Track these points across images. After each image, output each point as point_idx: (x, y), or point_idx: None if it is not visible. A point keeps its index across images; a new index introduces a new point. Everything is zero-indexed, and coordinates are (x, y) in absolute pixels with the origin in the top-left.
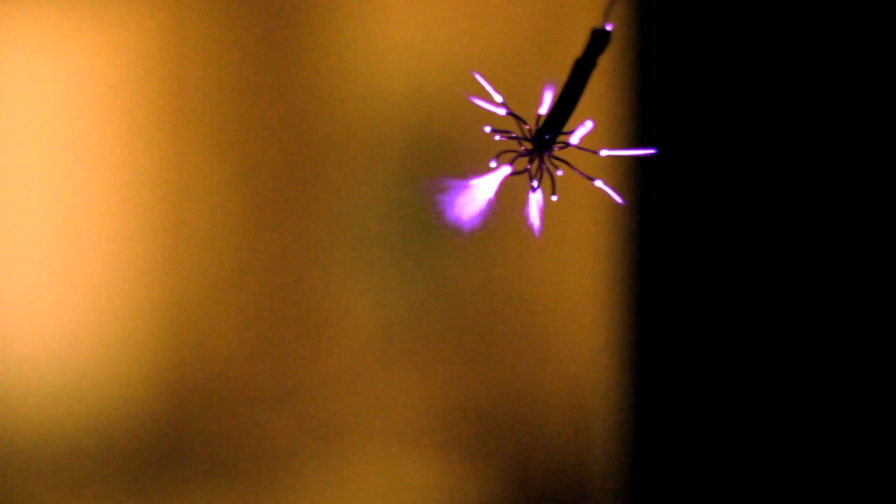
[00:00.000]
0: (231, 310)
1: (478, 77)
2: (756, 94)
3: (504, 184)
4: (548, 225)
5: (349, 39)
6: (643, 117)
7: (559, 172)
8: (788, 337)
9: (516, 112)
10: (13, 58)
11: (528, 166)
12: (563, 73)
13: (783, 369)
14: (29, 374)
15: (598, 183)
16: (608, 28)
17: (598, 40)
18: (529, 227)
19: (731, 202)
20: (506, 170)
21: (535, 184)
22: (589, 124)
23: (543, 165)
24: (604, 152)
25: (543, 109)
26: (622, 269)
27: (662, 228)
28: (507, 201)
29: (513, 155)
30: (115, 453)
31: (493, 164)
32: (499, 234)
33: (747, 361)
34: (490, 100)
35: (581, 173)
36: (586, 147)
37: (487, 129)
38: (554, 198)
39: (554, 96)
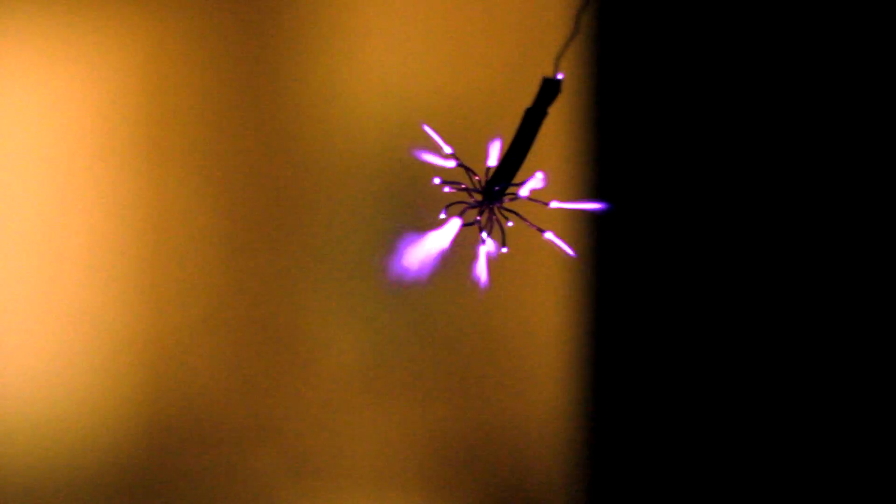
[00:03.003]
0: (211, 344)
1: (427, 129)
2: (711, 146)
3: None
4: (519, 262)
5: (330, 71)
6: (595, 167)
7: (509, 224)
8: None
9: (467, 163)
10: None
11: (479, 218)
12: (513, 124)
13: (753, 393)
14: (4, 406)
15: (549, 235)
16: (559, 77)
17: (549, 89)
18: (475, 280)
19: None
20: (456, 222)
21: (484, 235)
22: (539, 176)
23: (493, 217)
24: (554, 204)
25: (493, 161)
26: (583, 297)
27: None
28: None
29: (463, 206)
30: (92, 487)
31: (442, 216)
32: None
33: (710, 384)
34: (440, 152)
35: (531, 224)
36: (537, 198)
37: (437, 180)
38: (504, 249)
39: (503, 147)
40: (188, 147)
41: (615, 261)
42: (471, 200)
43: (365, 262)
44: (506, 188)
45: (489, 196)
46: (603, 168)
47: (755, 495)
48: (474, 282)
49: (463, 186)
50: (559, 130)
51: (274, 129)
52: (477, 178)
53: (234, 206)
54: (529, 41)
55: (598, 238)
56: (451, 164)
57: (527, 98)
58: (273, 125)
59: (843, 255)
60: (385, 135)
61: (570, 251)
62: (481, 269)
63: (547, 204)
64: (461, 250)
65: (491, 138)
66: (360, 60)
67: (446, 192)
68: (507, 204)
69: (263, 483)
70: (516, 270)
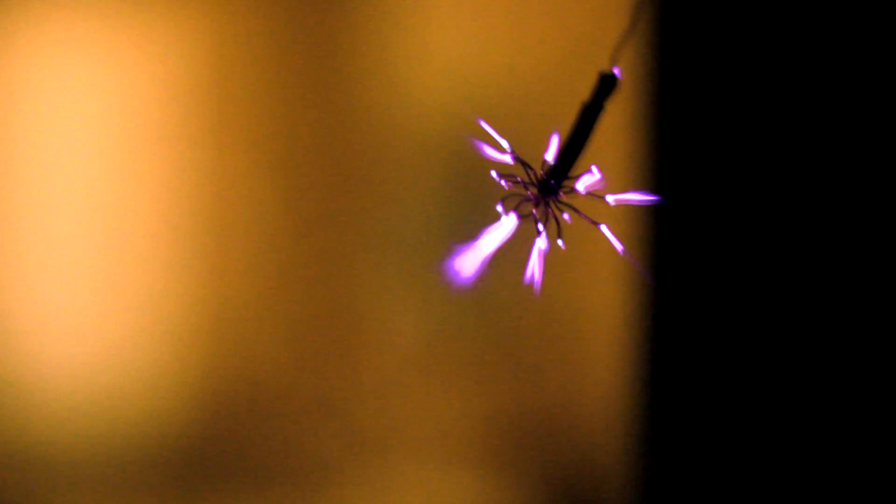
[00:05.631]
0: (273, 322)
1: (483, 124)
2: (767, 139)
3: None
4: (576, 242)
5: (391, 55)
6: (653, 162)
7: (565, 217)
8: (804, 342)
9: (524, 157)
10: (60, 70)
11: (534, 211)
12: (572, 118)
13: (802, 375)
14: (74, 385)
15: (603, 228)
16: (615, 72)
17: (606, 84)
18: (530, 277)
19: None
20: (512, 215)
21: (540, 228)
22: (595, 170)
23: (549, 211)
24: (610, 198)
25: (550, 155)
26: (641, 281)
27: (678, 238)
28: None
29: (518, 200)
30: (158, 464)
31: (499, 209)
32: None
33: (767, 368)
34: (497, 146)
35: (586, 218)
36: (594, 192)
37: (494, 174)
38: (560, 243)
39: (561, 141)
40: (252, 130)
41: (673, 251)
42: (526, 194)
43: (424, 245)
44: (561, 182)
45: (545, 190)
46: (660, 163)
47: (811, 481)
48: (529, 278)
49: (519, 180)
50: (617, 125)
51: (337, 114)
52: (533, 172)
53: (297, 188)
54: (588, 34)
55: (657, 230)
56: (508, 158)
57: (585, 92)
58: (337, 110)
59: None
60: (447, 123)
61: (619, 246)
62: (535, 264)
63: (603, 198)
64: (521, 235)
65: (549, 132)
66: (422, 50)
67: (503, 186)
68: (563, 198)
69: (322, 458)
70: (576, 257)
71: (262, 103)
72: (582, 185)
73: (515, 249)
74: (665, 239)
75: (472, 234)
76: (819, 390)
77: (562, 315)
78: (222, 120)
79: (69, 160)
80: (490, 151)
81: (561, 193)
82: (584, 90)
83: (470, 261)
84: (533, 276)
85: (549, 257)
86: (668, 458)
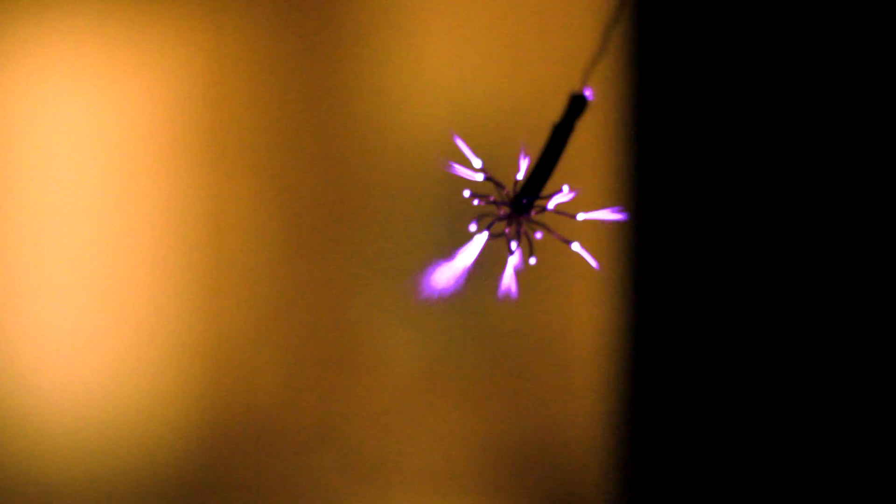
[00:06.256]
0: (272, 347)
1: (458, 142)
2: (740, 154)
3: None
4: (559, 260)
5: (389, 77)
6: (624, 179)
7: (538, 235)
8: (787, 353)
9: (496, 177)
10: (58, 86)
11: (507, 230)
12: (543, 138)
13: (787, 387)
14: (70, 412)
15: (575, 246)
16: (586, 93)
17: (576, 105)
18: (506, 291)
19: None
20: (484, 234)
21: (513, 246)
22: (566, 189)
23: (522, 229)
24: (581, 216)
25: (521, 174)
26: (626, 296)
27: (654, 251)
28: (537, 251)
29: (491, 219)
30: (155, 491)
31: (472, 228)
32: (533, 277)
33: (751, 382)
34: (469, 165)
35: (558, 236)
36: (564, 211)
37: (467, 193)
38: (532, 260)
39: (531, 161)
40: (249, 152)
41: (650, 267)
42: (499, 213)
43: (422, 269)
44: (533, 201)
45: (517, 209)
46: (631, 179)
47: (795, 499)
48: (505, 292)
49: (492, 199)
50: (588, 144)
51: (337, 129)
52: (506, 191)
53: (295, 211)
54: (559, 56)
55: (634, 246)
56: (480, 177)
57: (556, 113)
58: (337, 130)
59: (891, 257)
60: (432, 145)
61: (594, 263)
62: (509, 280)
63: (574, 216)
64: (512, 260)
65: (520, 152)
66: (416, 73)
67: (475, 205)
68: (534, 216)
69: (323, 485)
70: (563, 274)
71: (259, 125)
72: (553, 203)
73: (518, 277)
74: (642, 252)
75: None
76: (804, 403)
77: (560, 340)
78: (217, 144)
79: (65, 182)
80: (462, 170)
81: (532, 212)
82: (556, 111)
83: (445, 275)
84: (508, 291)
85: (539, 276)
86: (658, 482)
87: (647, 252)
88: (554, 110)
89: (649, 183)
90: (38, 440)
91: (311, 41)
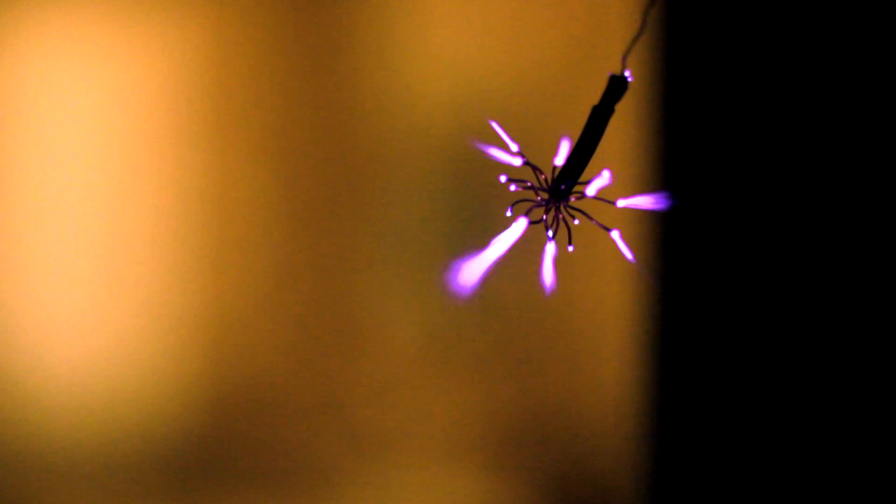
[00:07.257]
0: (273, 322)
1: (494, 126)
2: (776, 142)
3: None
4: (581, 244)
5: (392, 50)
6: (663, 165)
7: (576, 222)
8: (811, 343)
9: (534, 161)
10: (59, 73)
11: (545, 216)
12: (581, 121)
13: (808, 376)
14: (74, 388)
15: (614, 234)
16: (626, 74)
17: (616, 86)
18: (541, 283)
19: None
20: (522, 220)
21: (550, 234)
22: (606, 174)
23: (559, 215)
24: (621, 203)
25: (560, 159)
26: (647, 283)
27: (686, 241)
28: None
29: (529, 205)
30: (159, 464)
31: (508, 214)
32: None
33: (775, 369)
34: (506, 149)
35: (597, 223)
36: (603, 197)
37: (503, 178)
38: (570, 248)
39: (571, 145)
40: (253, 129)
41: (681, 253)
42: (537, 199)
43: (425, 246)
44: (572, 186)
45: (555, 195)
46: (670, 166)
47: (820, 478)
48: (541, 283)
49: (529, 184)
50: (628, 128)
51: (339, 116)
52: (543, 176)
53: (297, 186)
54: (598, 38)
55: (666, 232)
56: (518, 161)
57: (595, 96)
58: (338, 111)
59: None
60: (451, 124)
61: (629, 255)
62: (547, 269)
63: (614, 202)
64: (523, 237)
65: (559, 136)
66: (428, 51)
67: (512, 191)
68: (573, 202)
69: (325, 458)
70: (582, 256)
71: (262, 105)
72: (592, 189)
73: (516, 251)
74: (673, 241)
75: (472, 235)
76: (825, 391)
77: (563, 315)
78: (222, 122)
79: (68, 164)
80: (498, 154)
81: (571, 198)
82: (590, 92)
83: (474, 269)
84: (546, 281)
85: (557, 258)
86: (671, 459)
87: (675, 239)
88: (581, 92)
89: (681, 171)
90: (41, 416)
91: (317, 19)
